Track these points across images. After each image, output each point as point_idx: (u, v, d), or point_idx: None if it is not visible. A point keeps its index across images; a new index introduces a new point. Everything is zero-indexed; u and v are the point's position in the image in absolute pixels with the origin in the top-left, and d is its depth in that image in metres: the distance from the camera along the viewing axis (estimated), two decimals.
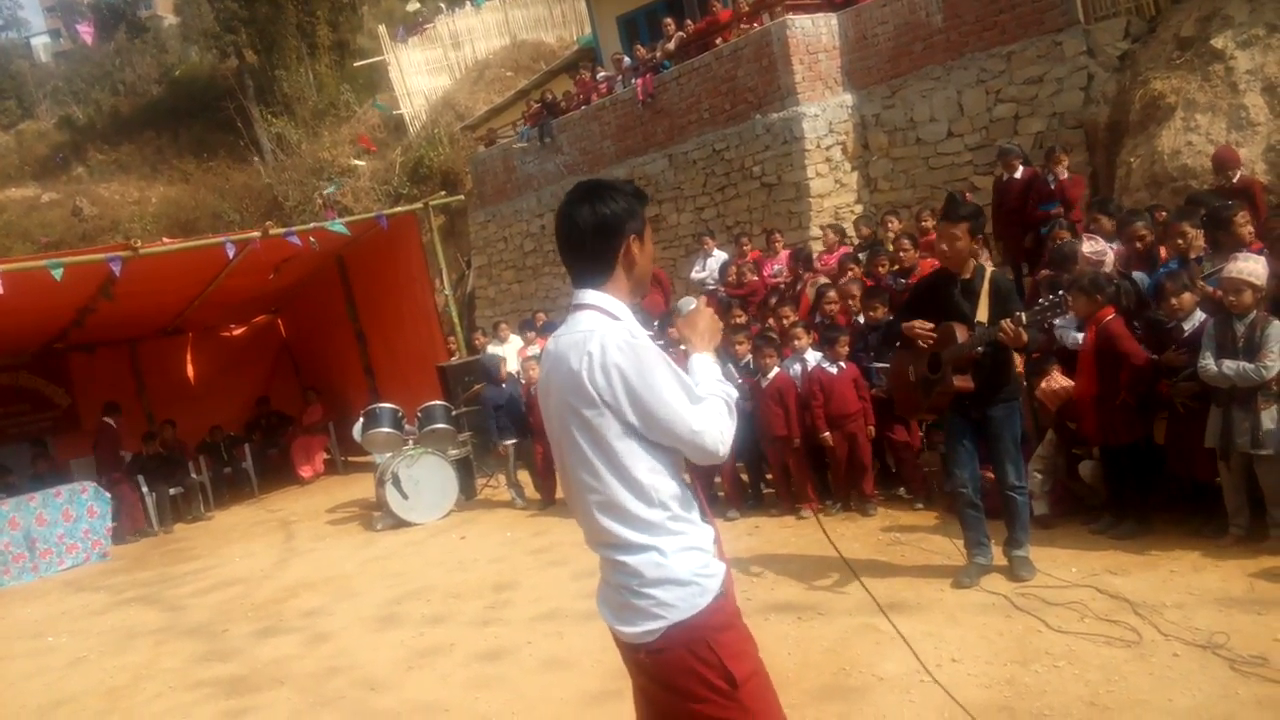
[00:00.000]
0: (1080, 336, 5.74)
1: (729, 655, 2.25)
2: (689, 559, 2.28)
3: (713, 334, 2.55)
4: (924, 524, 6.32)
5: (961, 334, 4.91)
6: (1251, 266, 4.86)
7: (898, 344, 5.42)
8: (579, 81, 16.87)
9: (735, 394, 2.44)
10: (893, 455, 7.17)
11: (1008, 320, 4.68)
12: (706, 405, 2.29)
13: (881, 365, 7.07)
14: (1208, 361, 4.88)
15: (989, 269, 5.11)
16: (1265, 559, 4.74)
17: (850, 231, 10.41)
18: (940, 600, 4.98)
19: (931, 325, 4.99)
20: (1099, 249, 6.12)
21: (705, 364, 2.46)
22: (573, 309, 2.41)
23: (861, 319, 7.59)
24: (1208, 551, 4.97)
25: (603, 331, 2.27)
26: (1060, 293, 4.84)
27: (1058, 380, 5.77)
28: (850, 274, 8.18)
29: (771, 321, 8.01)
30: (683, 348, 2.57)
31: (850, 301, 7.76)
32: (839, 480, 7.11)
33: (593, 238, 2.36)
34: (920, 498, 6.90)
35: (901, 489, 7.05)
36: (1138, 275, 6.11)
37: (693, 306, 2.64)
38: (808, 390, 6.97)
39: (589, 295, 2.38)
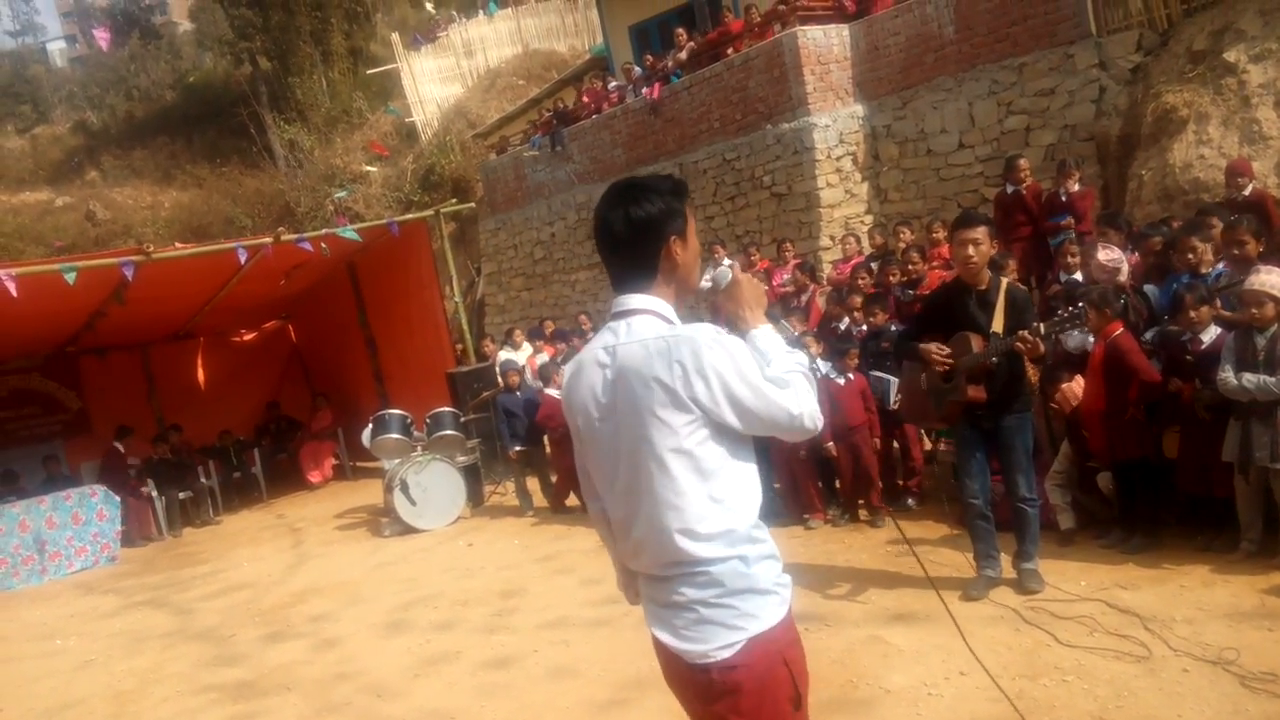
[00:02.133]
0: (1084, 339, 5.72)
1: (799, 673, 2.17)
2: (770, 568, 2.18)
3: (759, 300, 2.40)
4: (933, 536, 6.30)
5: (977, 344, 4.89)
6: (1275, 280, 4.83)
7: (908, 357, 5.39)
8: (588, 91, 16.93)
9: (806, 360, 2.32)
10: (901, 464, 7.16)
11: (1026, 331, 4.66)
12: (794, 385, 2.19)
13: (880, 375, 7.07)
14: (1227, 374, 4.86)
15: (1004, 280, 5.08)
16: (1276, 575, 4.71)
17: (864, 241, 10.41)
18: (947, 613, 4.95)
19: (948, 351, 4.96)
20: (1114, 257, 6.10)
21: (769, 338, 2.31)
22: (620, 315, 2.25)
23: (864, 326, 7.60)
24: (1218, 566, 4.95)
25: (689, 335, 2.13)
26: (1080, 305, 4.83)
27: (1078, 384, 5.74)
28: (861, 283, 8.18)
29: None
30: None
31: (855, 314, 7.78)
32: (845, 491, 7.10)
33: (631, 242, 2.23)
34: (920, 502, 6.94)
35: (910, 500, 7.04)
36: (1149, 288, 6.09)
37: (729, 277, 2.44)
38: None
39: (637, 299, 2.24)
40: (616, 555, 2.46)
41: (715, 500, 2.15)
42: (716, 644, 2.11)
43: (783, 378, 2.19)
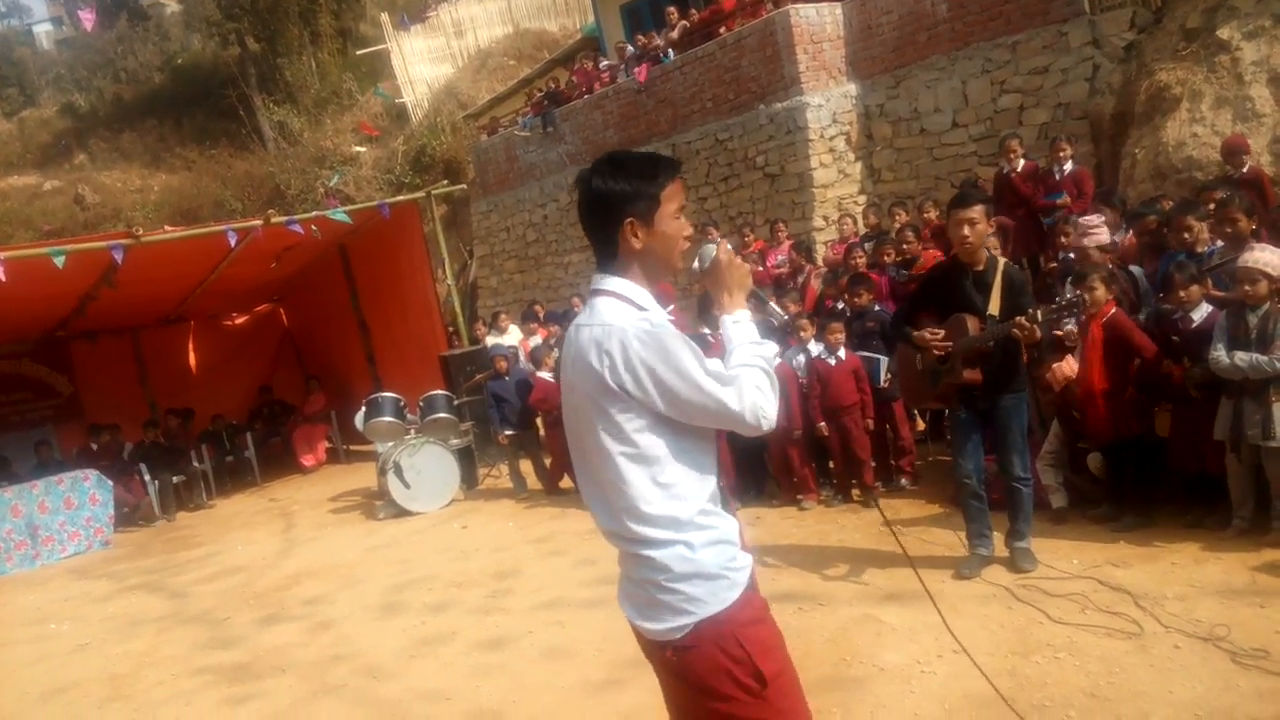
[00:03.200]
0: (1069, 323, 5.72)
1: (758, 651, 2.18)
2: (717, 552, 2.20)
3: (740, 282, 2.37)
4: (926, 515, 6.32)
5: (973, 325, 4.88)
6: (1268, 257, 4.83)
7: (903, 341, 5.38)
8: (579, 71, 16.82)
9: (773, 352, 2.30)
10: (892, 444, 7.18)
11: (1024, 317, 4.65)
12: (741, 381, 2.17)
13: (867, 354, 7.06)
14: (1220, 353, 4.86)
15: (1001, 261, 5.06)
16: (1267, 551, 4.74)
17: (859, 221, 10.39)
18: (941, 591, 4.97)
19: (943, 334, 4.95)
20: (1093, 222, 6.11)
21: (738, 326, 2.30)
22: (591, 294, 2.29)
23: (841, 305, 7.60)
24: (1209, 544, 4.97)
25: (621, 325, 2.15)
26: (1078, 294, 4.82)
27: (1069, 364, 5.74)
28: (856, 263, 8.16)
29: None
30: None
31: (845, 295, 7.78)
32: (839, 471, 7.11)
33: (589, 216, 2.26)
34: (914, 482, 6.98)
35: (904, 480, 7.06)
36: (1135, 269, 6.09)
37: (712, 255, 2.40)
38: (808, 380, 6.97)
39: (607, 281, 2.25)
40: None
41: (660, 485, 2.18)
42: (669, 625, 2.18)
43: (728, 373, 2.18)
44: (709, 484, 2.25)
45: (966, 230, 4.85)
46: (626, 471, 2.17)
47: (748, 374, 2.19)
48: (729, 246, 2.46)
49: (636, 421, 2.16)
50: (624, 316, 2.18)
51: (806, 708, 2.30)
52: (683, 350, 2.14)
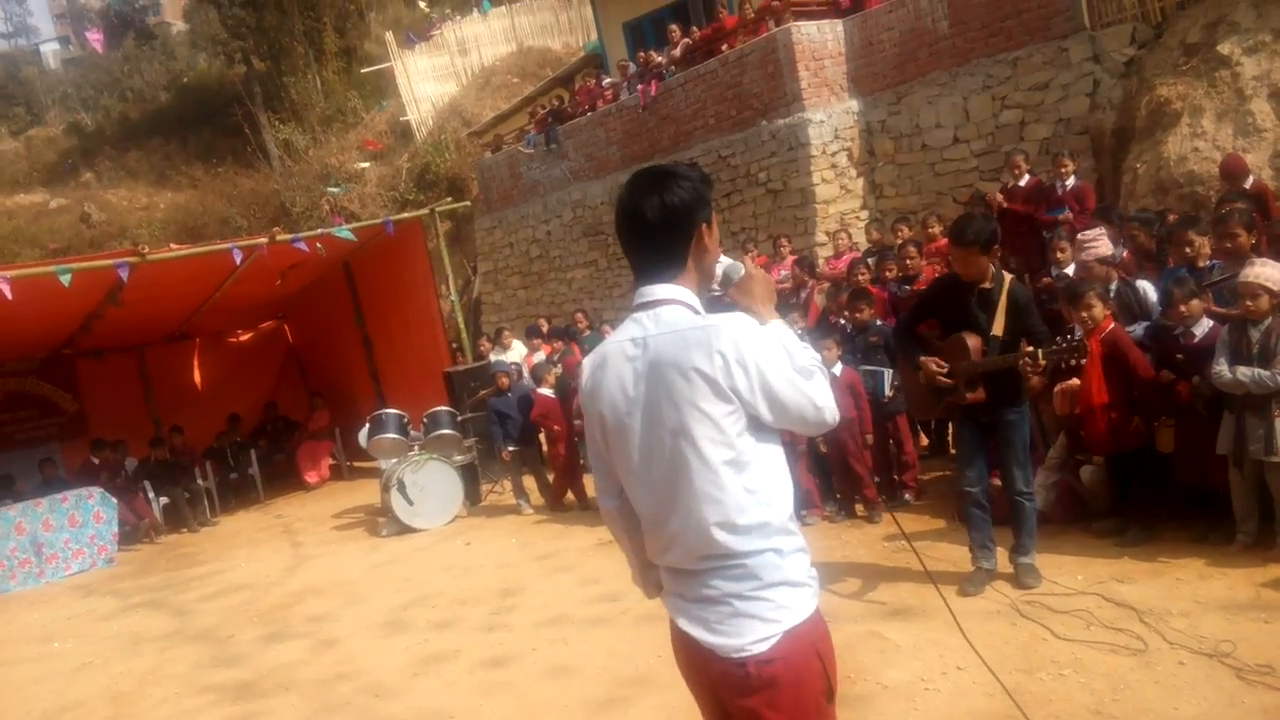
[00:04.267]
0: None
1: (831, 664, 2.15)
2: (802, 560, 2.16)
3: (771, 296, 2.37)
4: (930, 530, 6.31)
5: (973, 343, 4.87)
6: (1269, 272, 4.83)
7: (906, 356, 5.38)
8: (581, 88, 16.91)
9: (818, 356, 2.29)
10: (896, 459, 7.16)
11: (1026, 357, 4.65)
12: (817, 377, 2.17)
13: (870, 368, 7.05)
14: (1222, 368, 4.86)
15: (1008, 279, 5.03)
16: (1273, 567, 4.72)
17: (860, 237, 10.41)
18: (945, 607, 4.96)
19: (947, 368, 4.95)
20: (1090, 235, 6.12)
21: (784, 332, 2.27)
22: (646, 305, 2.21)
23: (843, 320, 7.60)
24: (1214, 559, 4.95)
25: (729, 325, 2.10)
26: (1080, 336, 4.83)
27: (1076, 384, 5.74)
28: (860, 278, 8.17)
29: None
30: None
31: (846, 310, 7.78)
32: (841, 487, 7.09)
33: (663, 230, 2.19)
34: (917, 497, 6.97)
35: (907, 495, 7.05)
36: (1142, 283, 6.08)
37: (741, 271, 2.39)
38: None
39: (664, 289, 2.20)
40: (635, 549, 2.39)
41: (751, 492, 2.11)
42: (753, 637, 2.08)
43: (807, 368, 2.17)
44: (792, 488, 2.21)
45: (961, 269, 4.96)
46: (726, 480, 2.10)
47: (817, 371, 2.20)
48: (722, 269, 2.47)
49: (738, 425, 2.10)
50: (717, 319, 2.14)
51: None
52: (780, 350, 2.14)
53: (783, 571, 2.11)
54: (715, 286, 2.42)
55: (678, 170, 2.25)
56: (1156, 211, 7.74)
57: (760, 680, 2.08)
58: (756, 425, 2.13)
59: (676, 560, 2.19)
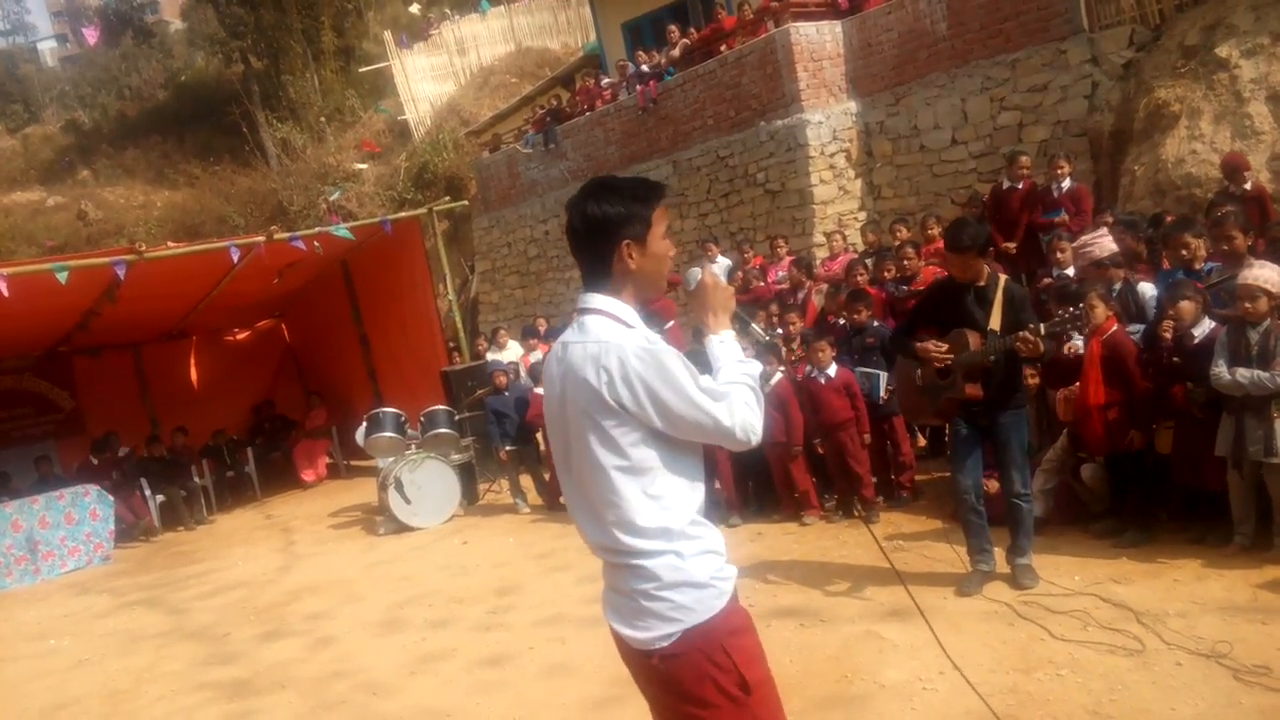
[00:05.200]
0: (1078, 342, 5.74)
1: (743, 660, 2.23)
2: (706, 562, 2.25)
3: (724, 305, 2.45)
4: (927, 531, 6.31)
5: (974, 340, 4.89)
6: (1267, 274, 4.84)
7: (904, 354, 5.39)
8: (580, 88, 16.91)
9: (758, 370, 2.37)
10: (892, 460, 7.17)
11: (1026, 331, 4.67)
12: (731, 398, 2.24)
13: (867, 370, 7.05)
14: (1221, 369, 4.87)
15: (1002, 278, 5.07)
16: (1270, 568, 4.73)
17: (857, 238, 10.41)
18: (943, 608, 4.97)
19: (946, 346, 4.96)
20: (1089, 238, 6.13)
21: (724, 346, 2.38)
22: (579, 313, 2.35)
23: (842, 320, 7.61)
24: (1211, 560, 4.96)
25: (618, 342, 2.21)
26: (1081, 305, 4.84)
27: (1073, 390, 5.75)
28: (858, 279, 8.17)
29: (779, 328, 8.02)
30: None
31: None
32: (839, 488, 7.10)
33: (585, 240, 2.31)
34: (914, 497, 6.98)
35: (904, 496, 7.05)
36: (1143, 286, 6.09)
37: (698, 278, 2.49)
38: (800, 398, 6.95)
39: (595, 299, 2.31)
40: None
41: (652, 497, 2.23)
42: (656, 633, 2.22)
43: (719, 389, 2.25)
44: (698, 494, 2.31)
45: (957, 272, 5.00)
46: (620, 485, 2.22)
47: (737, 391, 2.27)
48: (715, 270, 2.55)
49: (631, 435, 2.21)
50: (619, 334, 2.24)
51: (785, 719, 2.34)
52: (678, 367, 2.20)
53: (683, 573, 2.22)
54: (688, 284, 2.49)
55: (616, 184, 2.34)
56: (1154, 215, 7.77)
57: (665, 673, 2.24)
58: (658, 435, 2.23)
59: (593, 548, 2.35)
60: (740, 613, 2.29)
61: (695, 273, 2.50)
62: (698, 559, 2.24)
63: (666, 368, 2.19)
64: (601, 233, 2.28)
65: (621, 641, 2.34)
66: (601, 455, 2.23)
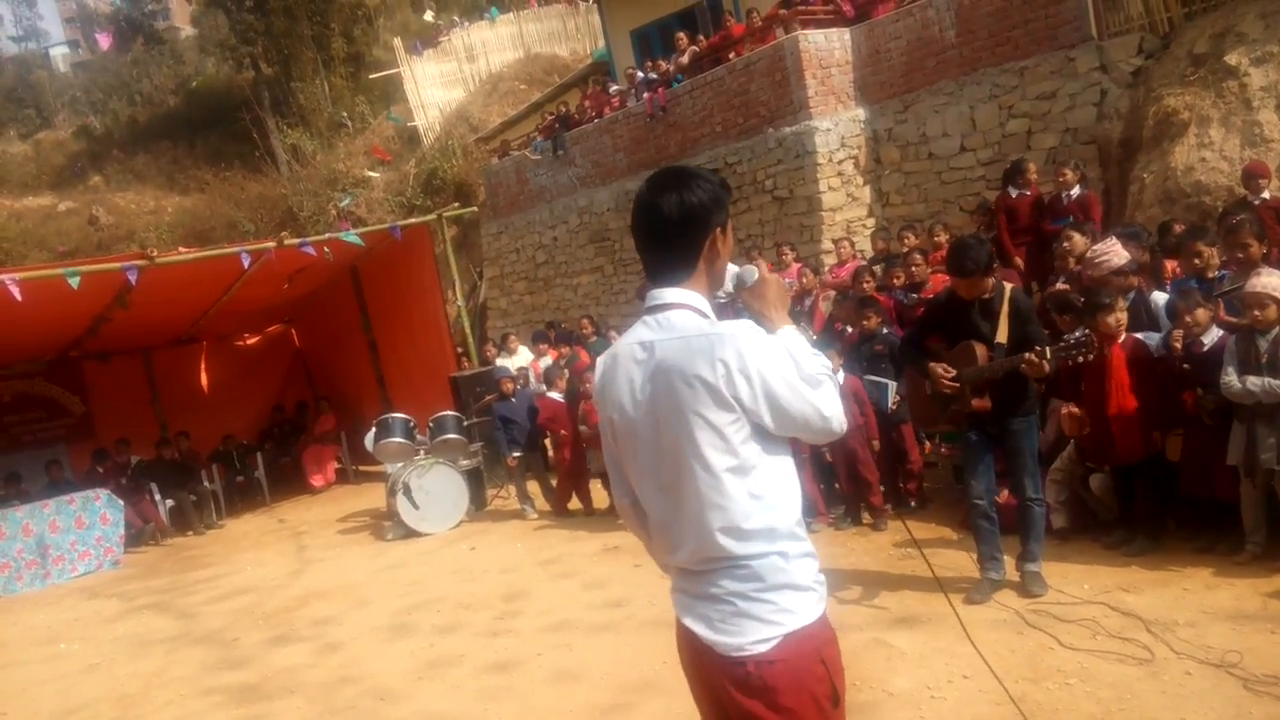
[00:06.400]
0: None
1: (836, 670, 2.14)
2: (809, 565, 2.17)
3: (784, 301, 2.36)
4: (936, 538, 6.30)
5: (981, 353, 4.89)
6: (1276, 281, 4.84)
7: (913, 365, 5.39)
8: (589, 95, 16.95)
9: (829, 364, 2.26)
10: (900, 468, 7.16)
11: (1032, 354, 4.67)
12: (825, 385, 2.16)
13: (875, 379, 7.05)
14: (1231, 378, 4.86)
15: (1008, 288, 5.07)
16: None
17: (865, 245, 10.40)
18: (952, 616, 4.95)
19: (954, 373, 4.97)
20: (1101, 249, 6.12)
21: (795, 338, 2.24)
22: (655, 309, 2.20)
23: (849, 328, 7.60)
24: (1221, 569, 4.95)
25: (733, 333, 2.10)
26: (1086, 332, 4.84)
27: (1075, 408, 5.72)
28: (866, 286, 8.17)
29: None
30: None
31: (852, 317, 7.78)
32: (847, 495, 7.09)
33: (678, 230, 2.18)
34: (921, 505, 6.97)
35: (913, 502, 7.04)
36: (1155, 295, 6.07)
37: (755, 276, 2.37)
38: None
39: (673, 293, 2.19)
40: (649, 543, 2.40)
41: (756, 497, 2.11)
42: (754, 637, 2.08)
43: (815, 377, 2.16)
44: (799, 493, 2.21)
45: (964, 294, 5.01)
46: (730, 487, 2.10)
47: (825, 380, 2.18)
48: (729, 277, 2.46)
49: (741, 432, 2.10)
50: (723, 325, 2.13)
51: None
52: (786, 359, 2.13)
53: (787, 574, 2.11)
54: (721, 294, 2.39)
55: (700, 172, 2.24)
56: (1162, 223, 7.74)
57: (761, 681, 2.07)
58: (762, 432, 2.12)
59: (683, 561, 2.19)
60: (830, 622, 2.19)
61: (751, 270, 2.40)
62: (801, 560, 2.15)
63: (781, 358, 2.12)
64: (697, 221, 2.18)
65: (701, 652, 2.17)
66: (713, 456, 2.09)
